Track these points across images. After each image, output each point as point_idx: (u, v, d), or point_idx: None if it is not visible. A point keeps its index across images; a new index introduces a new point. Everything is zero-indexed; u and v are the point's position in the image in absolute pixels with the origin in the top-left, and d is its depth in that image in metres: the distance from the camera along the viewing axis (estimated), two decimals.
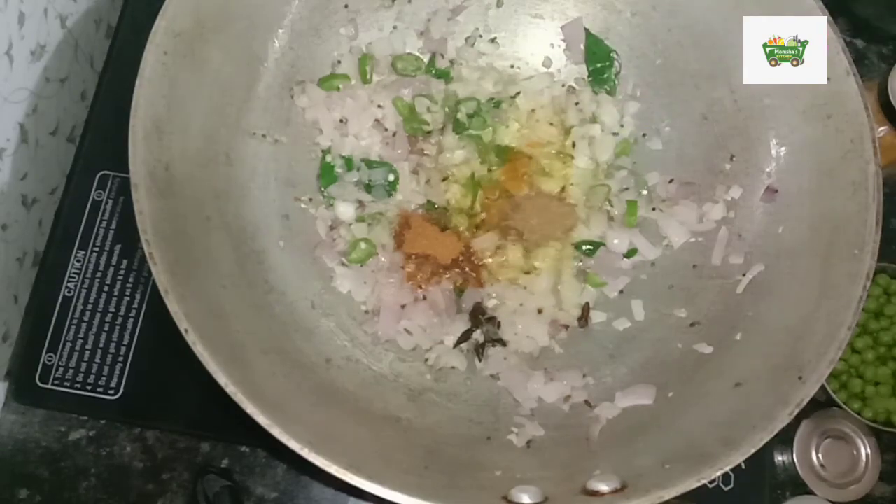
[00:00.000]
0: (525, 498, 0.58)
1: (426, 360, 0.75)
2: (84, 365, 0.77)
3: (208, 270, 0.64)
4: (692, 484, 0.57)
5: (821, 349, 0.62)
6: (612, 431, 0.68)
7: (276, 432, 0.55)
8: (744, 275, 0.73)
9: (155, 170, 0.62)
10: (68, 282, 0.79)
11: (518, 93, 0.83)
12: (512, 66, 0.85)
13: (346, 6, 0.80)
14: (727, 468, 0.58)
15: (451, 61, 0.84)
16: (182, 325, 0.56)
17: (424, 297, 0.77)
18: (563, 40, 0.84)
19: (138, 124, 0.61)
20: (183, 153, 0.65)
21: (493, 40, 0.84)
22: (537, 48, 0.85)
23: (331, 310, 0.75)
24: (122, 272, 0.80)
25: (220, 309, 0.63)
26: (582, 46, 0.84)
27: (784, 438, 0.81)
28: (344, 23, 0.81)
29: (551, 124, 0.83)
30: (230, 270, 0.67)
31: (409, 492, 0.55)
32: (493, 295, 0.78)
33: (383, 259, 0.77)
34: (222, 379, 0.55)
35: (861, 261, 0.64)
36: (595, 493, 0.58)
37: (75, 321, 0.78)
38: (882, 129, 0.79)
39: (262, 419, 0.55)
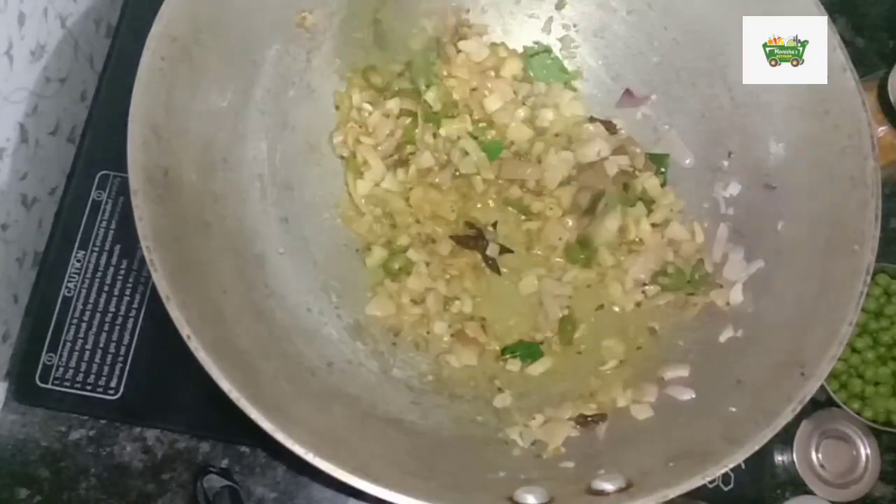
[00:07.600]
0: (530, 498, 0.58)
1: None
2: (84, 365, 0.77)
3: (209, 275, 0.64)
4: (697, 482, 0.57)
5: (822, 345, 0.62)
6: (616, 430, 0.69)
7: (281, 437, 0.55)
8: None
9: (154, 175, 0.61)
10: (68, 282, 0.79)
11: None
12: None
13: None
14: (731, 465, 0.58)
15: None
16: (184, 331, 0.56)
17: None
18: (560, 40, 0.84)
19: (136, 130, 0.61)
20: (181, 158, 0.65)
21: None
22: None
23: None
24: (122, 272, 0.80)
25: (221, 314, 0.63)
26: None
27: (784, 438, 0.81)
28: None
29: None
30: (231, 275, 0.67)
31: (415, 494, 0.55)
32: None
33: None
34: (226, 385, 0.55)
35: (861, 256, 0.64)
36: (600, 493, 0.58)
37: (75, 321, 0.78)
38: (882, 129, 0.78)
39: (266, 424, 0.55)
